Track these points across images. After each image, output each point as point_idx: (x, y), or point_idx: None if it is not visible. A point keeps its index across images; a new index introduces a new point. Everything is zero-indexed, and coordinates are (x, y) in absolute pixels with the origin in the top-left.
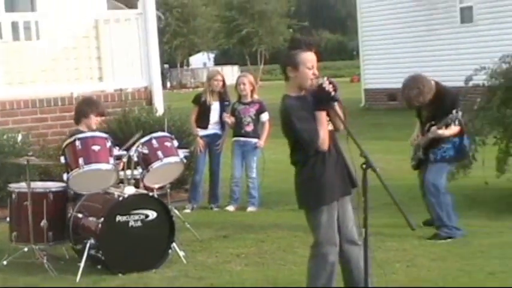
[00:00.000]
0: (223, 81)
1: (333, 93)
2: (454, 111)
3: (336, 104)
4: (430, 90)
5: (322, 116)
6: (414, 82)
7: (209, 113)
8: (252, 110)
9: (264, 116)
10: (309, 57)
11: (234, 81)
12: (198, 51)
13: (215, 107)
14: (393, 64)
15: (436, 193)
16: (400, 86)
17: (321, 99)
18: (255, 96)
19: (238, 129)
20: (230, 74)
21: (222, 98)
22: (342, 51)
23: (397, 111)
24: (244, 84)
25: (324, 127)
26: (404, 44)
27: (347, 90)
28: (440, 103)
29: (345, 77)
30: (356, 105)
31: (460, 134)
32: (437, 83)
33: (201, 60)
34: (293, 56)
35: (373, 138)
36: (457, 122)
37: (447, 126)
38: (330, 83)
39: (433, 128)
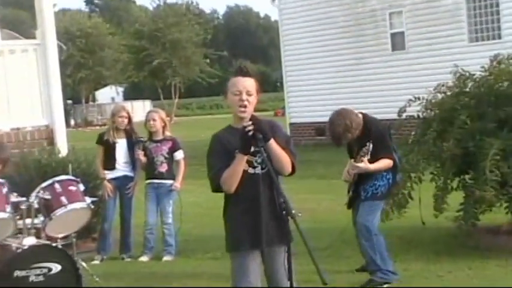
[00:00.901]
0: (129, 117)
1: (250, 133)
2: (367, 143)
3: (268, 144)
4: (358, 125)
5: (239, 158)
6: (340, 118)
7: (114, 152)
8: (165, 148)
9: (178, 155)
10: (237, 82)
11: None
12: (106, 85)
13: (121, 146)
14: (320, 96)
15: (368, 235)
16: (328, 119)
17: (242, 140)
18: (167, 133)
19: (150, 171)
20: (141, 109)
21: (129, 135)
22: (265, 83)
23: (326, 146)
24: (154, 120)
25: (235, 169)
26: (331, 74)
27: None
28: (369, 136)
29: (268, 111)
30: None
31: (393, 168)
32: (364, 116)
33: (108, 95)
34: (226, 82)
35: (301, 177)
36: (368, 156)
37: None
38: (254, 124)
39: (352, 162)
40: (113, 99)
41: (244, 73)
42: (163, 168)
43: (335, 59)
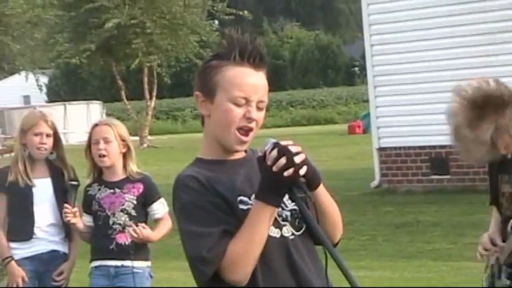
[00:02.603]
0: (55, 135)
1: (285, 172)
2: None
3: (302, 190)
4: None
5: (265, 210)
6: (484, 94)
7: (29, 207)
8: (129, 198)
9: (158, 208)
10: (243, 78)
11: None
12: (13, 73)
13: (42, 193)
14: (438, 94)
15: None
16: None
17: (266, 180)
18: (133, 169)
19: (100, 242)
20: (84, 119)
21: (57, 171)
22: (330, 65)
23: (450, 194)
24: (107, 141)
25: (257, 232)
26: (461, 51)
27: (340, 153)
28: None
29: (335, 123)
30: (362, 184)
31: None
32: None
33: (18, 92)
34: (208, 71)
35: (398, 255)
36: None
37: None
38: (283, 153)
39: None
40: (26, 99)
41: (256, 56)
42: (127, 237)
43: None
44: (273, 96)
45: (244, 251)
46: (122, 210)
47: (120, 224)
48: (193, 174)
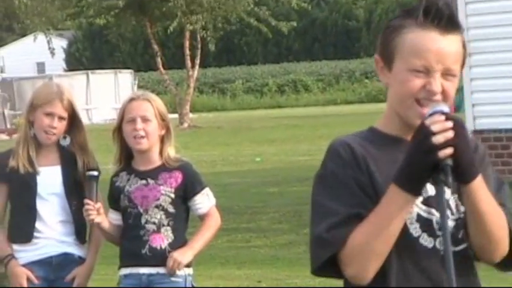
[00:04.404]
0: (71, 115)
1: (441, 153)
2: None
3: (471, 185)
4: None
5: (392, 199)
6: None
7: (32, 198)
8: (165, 191)
9: (202, 201)
10: (424, 43)
11: (115, 114)
12: (24, 35)
13: (49, 184)
14: None
15: None
16: None
17: (415, 154)
18: (170, 154)
19: (131, 245)
20: (111, 92)
21: (69, 158)
22: None
23: None
24: (145, 119)
25: (386, 223)
26: None
27: None
28: None
29: None
30: None
31: None
32: None
33: (31, 58)
34: (388, 32)
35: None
36: None
37: None
38: (456, 132)
39: None
40: (40, 67)
41: (442, 17)
42: (162, 239)
43: None
44: (343, 65)
45: (363, 243)
46: (156, 206)
47: (154, 223)
48: (350, 143)
